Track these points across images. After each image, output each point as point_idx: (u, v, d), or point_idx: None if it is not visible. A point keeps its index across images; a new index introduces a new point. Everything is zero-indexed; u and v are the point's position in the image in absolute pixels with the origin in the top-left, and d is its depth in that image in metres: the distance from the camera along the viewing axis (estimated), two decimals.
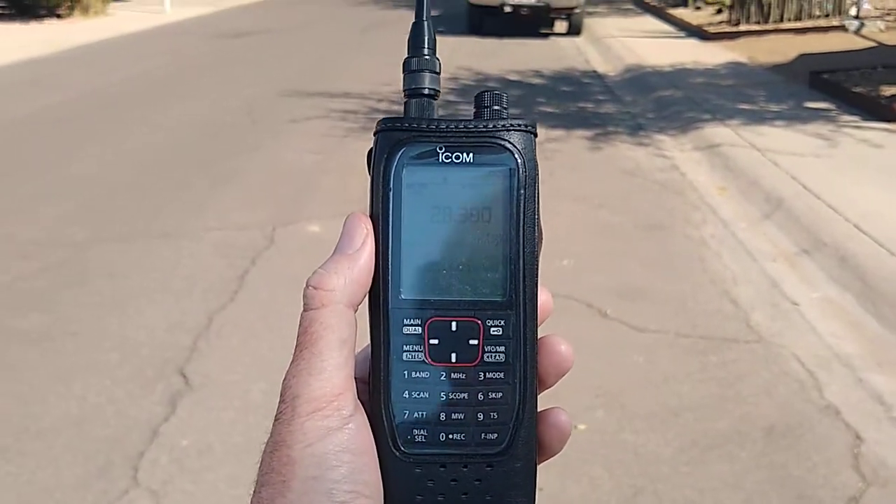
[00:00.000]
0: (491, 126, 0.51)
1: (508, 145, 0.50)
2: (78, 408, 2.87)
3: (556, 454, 0.53)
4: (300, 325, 0.49)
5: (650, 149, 6.44)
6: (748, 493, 2.48)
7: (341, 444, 0.46)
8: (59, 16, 14.14)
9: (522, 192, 0.50)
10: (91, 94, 8.31)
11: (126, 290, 3.82)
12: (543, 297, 0.52)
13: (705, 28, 12.51)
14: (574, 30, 13.16)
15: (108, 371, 3.11)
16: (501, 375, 0.50)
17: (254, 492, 0.46)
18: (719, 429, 2.79)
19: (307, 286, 0.49)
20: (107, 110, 7.64)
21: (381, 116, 0.52)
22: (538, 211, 0.51)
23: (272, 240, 4.42)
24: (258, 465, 0.47)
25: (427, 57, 0.53)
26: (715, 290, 3.87)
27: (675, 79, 8.93)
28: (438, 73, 0.54)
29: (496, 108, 0.52)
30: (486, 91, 0.53)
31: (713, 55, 10.49)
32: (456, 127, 0.50)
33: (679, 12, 14.73)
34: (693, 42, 11.92)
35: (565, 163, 5.98)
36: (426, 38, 0.53)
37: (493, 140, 0.50)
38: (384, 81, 8.38)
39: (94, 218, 4.76)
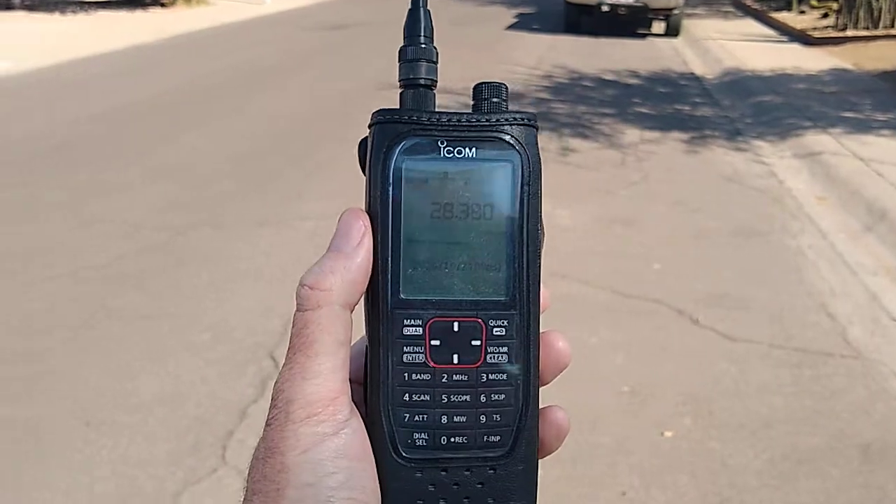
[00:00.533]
0: (493, 119, 0.49)
1: (511, 139, 0.49)
2: (171, 386, 2.96)
3: (553, 452, 0.52)
4: (294, 325, 0.47)
5: (748, 154, 6.29)
6: None
7: (337, 449, 0.45)
8: (163, 5, 14.62)
9: (526, 187, 0.49)
10: (192, 83, 8.54)
11: (221, 274, 3.90)
12: (542, 293, 0.51)
13: (809, 32, 12.15)
14: (672, 31, 12.92)
15: (201, 352, 3.19)
16: (504, 377, 0.49)
17: (244, 499, 0.45)
18: (812, 444, 2.70)
19: (301, 285, 0.48)
20: (206, 98, 7.83)
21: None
22: (541, 207, 0.50)
23: None
24: (248, 472, 0.46)
25: (423, 45, 0.52)
26: (811, 302, 3.75)
27: (775, 84, 8.69)
28: (436, 63, 0.52)
29: (495, 100, 0.50)
30: (485, 83, 0.51)
31: (817, 61, 10.17)
32: (457, 120, 0.49)
33: (782, 16, 14.35)
34: (796, 47, 11.57)
35: (660, 165, 5.89)
36: (422, 26, 0.52)
37: (496, 134, 0.49)
38: (474, 77, 8.22)
39: (192, 204, 4.88)
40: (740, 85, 8.96)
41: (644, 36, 13.15)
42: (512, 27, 13.46)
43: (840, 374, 3.14)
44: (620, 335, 3.41)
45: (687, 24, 13.57)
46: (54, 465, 2.52)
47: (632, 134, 6.77)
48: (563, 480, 2.49)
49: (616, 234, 4.58)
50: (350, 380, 0.48)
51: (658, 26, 13.34)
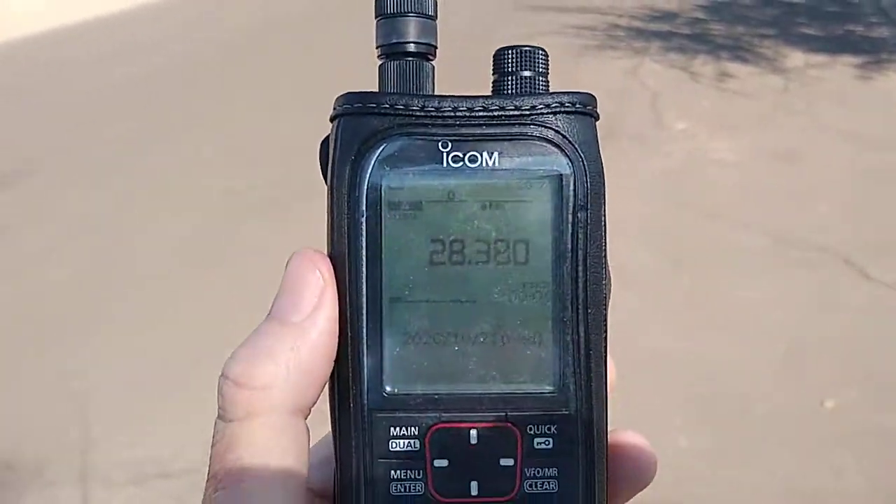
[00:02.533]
0: (527, 105, 0.35)
1: (555, 136, 0.35)
2: None
3: None
4: (214, 443, 0.33)
5: None
6: None
7: None
8: None
9: (580, 213, 0.34)
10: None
11: None
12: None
13: None
14: None
15: None
16: None
17: None
18: None
19: (224, 377, 0.33)
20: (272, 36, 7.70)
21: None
22: (605, 243, 0.35)
23: None
24: None
25: None
26: None
27: None
28: (433, 18, 0.36)
29: (527, 73, 0.36)
30: (511, 48, 0.36)
31: None
32: (468, 108, 0.34)
33: None
34: None
35: (828, 93, 5.34)
36: None
37: (530, 129, 0.35)
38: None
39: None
40: None
41: None
42: None
43: None
44: (778, 288, 3.08)
45: None
46: None
47: (795, 58, 6.20)
48: (704, 455, 2.24)
49: (777, 170, 4.18)
50: (318, 493, 0.34)
51: None
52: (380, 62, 0.37)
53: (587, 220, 0.35)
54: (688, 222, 3.52)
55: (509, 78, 0.36)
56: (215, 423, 0.34)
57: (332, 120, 0.36)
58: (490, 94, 0.36)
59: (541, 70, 0.37)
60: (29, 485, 2.19)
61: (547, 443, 0.35)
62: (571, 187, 0.35)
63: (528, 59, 0.37)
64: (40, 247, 3.42)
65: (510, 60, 0.36)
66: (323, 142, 0.37)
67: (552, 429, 0.35)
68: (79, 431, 2.37)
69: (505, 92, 0.36)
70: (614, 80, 5.57)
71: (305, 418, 0.34)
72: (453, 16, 7.48)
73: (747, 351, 2.68)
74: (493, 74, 0.37)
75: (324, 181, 0.36)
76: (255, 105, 4.93)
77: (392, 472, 0.34)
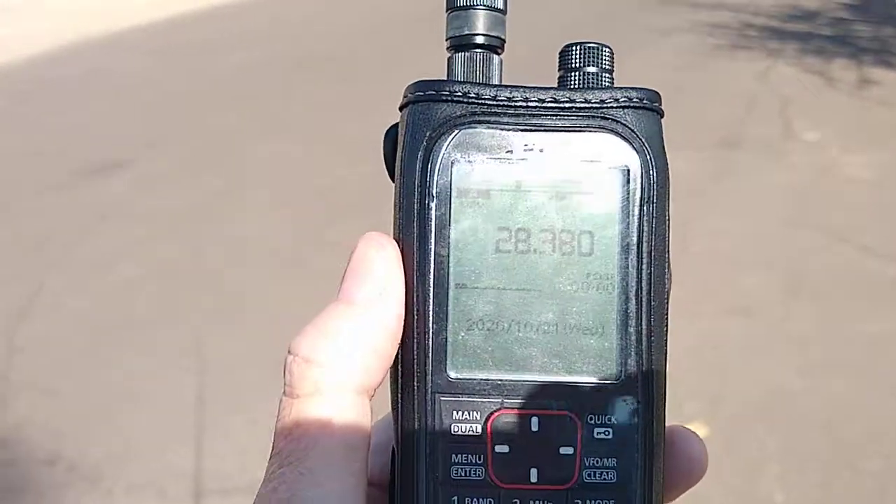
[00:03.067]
0: (596, 99, 0.35)
1: (623, 130, 0.35)
2: None
3: None
4: (279, 419, 0.33)
5: None
6: None
7: None
8: None
9: (646, 206, 0.35)
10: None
11: None
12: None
13: None
14: None
15: None
16: None
17: None
18: None
19: (292, 355, 0.33)
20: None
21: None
22: (669, 237, 0.36)
23: None
24: None
25: None
26: None
27: None
28: (503, 11, 0.37)
29: (591, 69, 0.36)
30: (577, 44, 0.37)
31: None
32: (539, 99, 0.35)
33: None
34: None
35: None
36: None
37: (600, 122, 0.35)
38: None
39: None
40: None
41: None
42: None
43: None
44: None
45: None
46: None
47: None
48: None
49: None
50: (374, 484, 0.35)
51: None
52: (449, 54, 0.38)
53: (652, 214, 0.36)
54: (811, 245, 3.21)
55: (575, 73, 0.37)
56: (280, 401, 0.34)
57: (401, 108, 0.37)
58: (557, 86, 0.37)
59: (605, 67, 0.37)
60: (88, 491, 2.14)
61: (607, 433, 0.35)
62: (638, 181, 0.36)
63: (593, 55, 0.37)
64: (125, 242, 3.41)
65: (576, 57, 0.37)
66: (388, 131, 0.38)
67: (612, 419, 0.35)
68: (142, 438, 2.31)
69: (568, 84, 0.37)
70: (743, 82, 5.22)
71: (370, 399, 0.35)
72: (578, 9, 7.24)
73: (868, 394, 2.40)
74: (559, 70, 0.38)
75: (387, 170, 0.38)
76: (358, 102, 4.85)
77: (453, 455, 0.35)
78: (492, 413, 0.35)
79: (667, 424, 0.37)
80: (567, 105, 0.36)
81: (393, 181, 0.38)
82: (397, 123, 0.38)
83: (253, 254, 3.25)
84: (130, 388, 2.50)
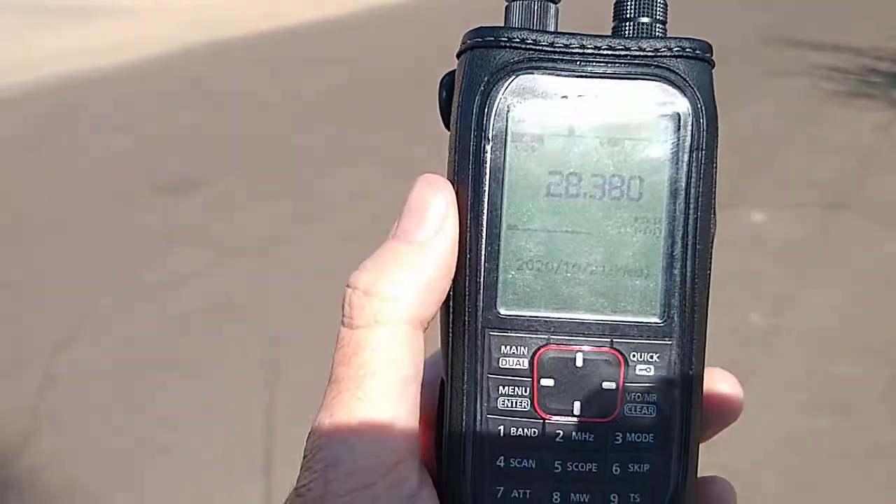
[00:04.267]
0: (650, 48, 0.37)
1: (676, 79, 0.37)
2: None
3: None
4: (338, 349, 0.36)
5: None
6: None
7: None
8: None
9: (697, 153, 0.37)
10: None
11: None
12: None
13: None
14: None
15: None
16: (651, 439, 0.37)
17: None
18: None
19: (352, 288, 0.36)
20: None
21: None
22: (715, 184, 0.38)
23: None
24: None
25: None
26: None
27: None
28: None
29: (645, 20, 0.38)
30: None
31: None
32: (595, 47, 0.37)
33: None
34: None
35: None
36: None
37: (653, 70, 0.36)
38: (892, 35, 6.99)
39: None
40: None
41: None
42: None
43: None
44: None
45: None
46: None
47: None
48: None
49: None
50: (420, 418, 0.36)
51: None
52: (506, 3, 0.39)
53: (701, 160, 0.37)
54: None
55: (628, 23, 0.38)
56: (339, 332, 0.36)
57: (458, 55, 0.38)
58: (612, 35, 0.38)
59: (659, 18, 0.39)
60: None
61: (648, 370, 0.37)
62: (689, 127, 0.37)
63: (647, 6, 0.38)
64: (188, 270, 3.31)
65: (630, 7, 0.38)
66: (443, 78, 0.39)
67: (654, 357, 0.37)
68: (164, 497, 2.17)
69: (622, 33, 0.38)
70: (861, 135, 4.84)
71: (424, 331, 0.37)
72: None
73: None
74: (613, 21, 0.39)
75: (441, 118, 0.39)
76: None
77: (500, 387, 0.36)
78: (539, 349, 0.37)
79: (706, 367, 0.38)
80: (622, 53, 0.37)
81: (447, 128, 0.39)
82: (453, 70, 0.39)
83: (317, 289, 3.10)
84: (160, 438, 2.37)
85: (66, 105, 5.61)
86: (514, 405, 0.37)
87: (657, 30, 0.39)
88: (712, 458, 2.22)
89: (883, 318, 2.95)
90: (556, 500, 0.37)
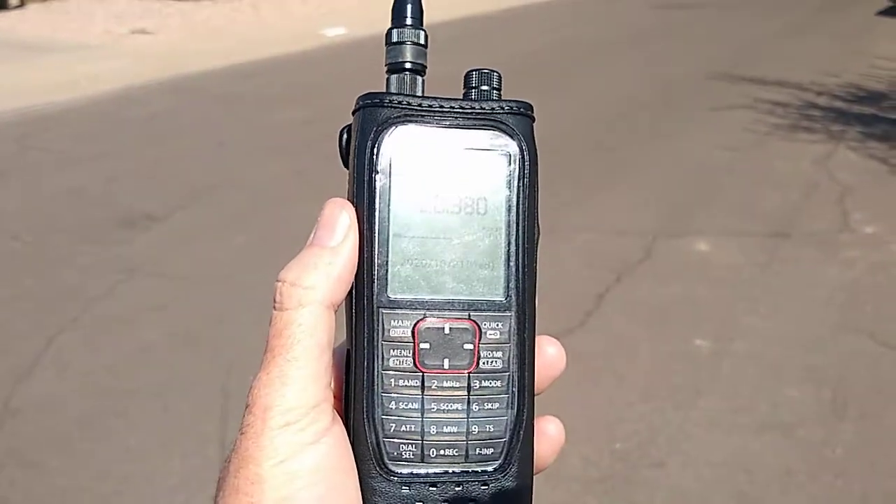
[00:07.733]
0: (488, 107, 0.49)
1: (507, 128, 0.49)
2: None
3: (547, 467, 0.53)
4: (272, 326, 0.46)
5: None
6: None
7: (317, 460, 0.44)
8: None
9: (523, 180, 0.49)
10: (511, 59, 8.25)
11: None
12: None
13: None
14: None
15: None
16: (499, 384, 0.49)
17: None
18: None
19: (281, 281, 0.47)
20: (522, 77, 7.50)
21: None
22: (538, 201, 0.50)
23: (648, 253, 3.83)
24: (217, 486, 0.44)
25: (410, 27, 0.51)
26: None
27: None
28: (424, 46, 0.52)
29: (485, 88, 0.51)
30: (476, 70, 0.51)
31: None
32: (450, 107, 0.49)
33: None
34: None
35: None
36: (410, 7, 0.51)
37: (491, 122, 0.49)
38: (831, 71, 7.27)
39: None
40: None
41: None
42: (886, 12, 11.62)
43: None
44: None
45: None
46: None
47: None
48: None
49: None
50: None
51: None
52: (387, 76, 0.51)
53: (527, 186, 0.49)
54: (862, 352, 3.00)
55: (474, 90, 0.51)
56: (272, 315, 0.46)
57: (353, 112, 0.50)
58: (461, 98, 0.50)
59: (495, 86, 0.51)
60: None
61: (496, 334, 0.49)
62: (517, 163, 0.49)
63: (486, 77, 0.51)
64: (148, 302, 3.35)
65: (474, 78, 0.51)
66: (342, 130, 0.51)
67: (499, 325, 0.49)
68: None
69: (469, 98, 0.50)
70: (801, 167, 5.03)
71: (335, 312, 0.47)
72: (643, 83, 7.10)
73: None
74: (463, 88, 0.51)
75: (340, 158, 0.51)
76: None
77: (391, 350, 0.48)
78: (417, 321, 0.48)
79: (536, 333, 0.50)
80: (469, 110, 0.49)
81: (345, 166, 0.50)
82: (349, 125, 0.50)
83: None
84: (122, 470, 2.40)
85: (23, 140, 5.61)
86: (401, 363, 0.47)
87: (494, 94, 0.50)
88: (663, 479, 2.29)
89: (821, 341, 3.08)
90: (433, 431, 0.48)
